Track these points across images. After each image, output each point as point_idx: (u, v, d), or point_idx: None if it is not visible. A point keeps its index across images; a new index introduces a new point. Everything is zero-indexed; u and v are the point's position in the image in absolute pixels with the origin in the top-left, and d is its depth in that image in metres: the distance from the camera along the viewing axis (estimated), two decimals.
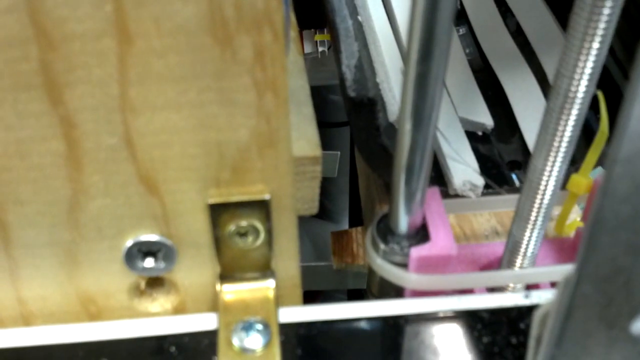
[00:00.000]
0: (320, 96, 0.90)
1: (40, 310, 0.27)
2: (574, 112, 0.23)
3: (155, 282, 0.28)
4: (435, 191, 0.32)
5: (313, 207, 0.29)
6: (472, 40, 0.47)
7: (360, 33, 0.45)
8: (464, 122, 0.40)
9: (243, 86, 0.22)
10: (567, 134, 0.24)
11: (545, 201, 0.27)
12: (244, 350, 0.25)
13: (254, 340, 0.25)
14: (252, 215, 0.25)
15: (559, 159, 0.25)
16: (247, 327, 0.25)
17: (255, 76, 0.22)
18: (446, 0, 0.21)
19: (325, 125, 0.86)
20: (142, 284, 0.27)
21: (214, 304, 0.27)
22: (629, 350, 0.22)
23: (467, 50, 0.46)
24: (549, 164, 0.25)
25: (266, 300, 0.27)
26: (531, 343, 0.23)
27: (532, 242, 0.29)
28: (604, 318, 0.21)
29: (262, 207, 0.25)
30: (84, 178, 0.23)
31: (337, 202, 1.06)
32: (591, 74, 0.22)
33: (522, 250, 0.30)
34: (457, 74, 0.43)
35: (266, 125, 0.23)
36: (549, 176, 0.25)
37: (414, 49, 0.22)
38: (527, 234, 0.29)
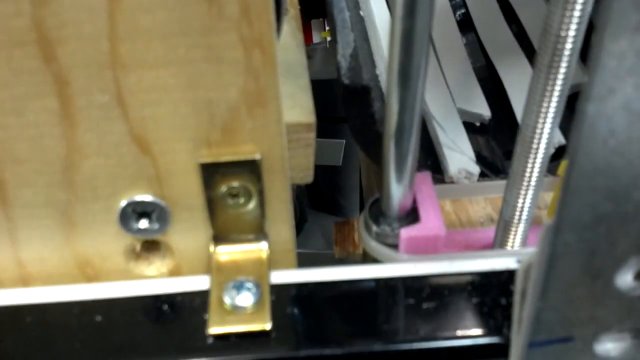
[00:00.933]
0: (331, 90, 0.90)
1: (38, 272, 0.28)
2: (563, 65, 0.23)
3: (151, 246, 0.28)
4: (426, 175, 0.32)
5: (308, 176, 0.30)
6: (472, 33, 0.47)
7: (358, 24, 0.46)
8: (462, 113, 0.41)
9: (230, 43, 0.22)
10: (557, 88, 0.24)
11: (538, 160, 0.27)
12: (235, 308, 0.25)
13: (245, 299, 0.25)
14: (244, 175, 0.25)
15: (550, 115, 0.25)
16: (239, 286, 0.26)
17: (242, 32, 0.22)
18: None
19: (336, 120, 0.87)
20: (138, 247, 0.27)
21: (208, 268, 0.28)
22: (614, 303, 0.22)
23: (466, 41, 0.46)
24: (540, 120, 0.25)
25: (259, 262, 0.27)
26: (516, 298, 0.23)
27: (526, 212, 0.29)
28: (588, 269, 0.21)
29: (253, 168, 0.25)
30: (78, 136, 0.24)
31: (349, 197, 1.06)
32: (577, 27, 0.22)
33: (515, 223, 0.30)
34: (456, 66, 0.44)
35: (254, 83, 0.23)
36: (541, 133, 0.26)
37: (398, 3, 0.22)
38: (521, 200, 0.29)
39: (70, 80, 0.23)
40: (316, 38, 0.58)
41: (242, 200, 0.26)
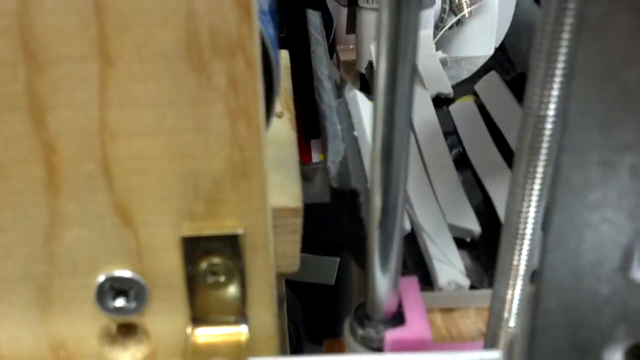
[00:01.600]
0: (330, 214, 0.91)
1: (11, 353, 0.27)
2: (544, 145, 0.24)
3: (126, 330, 0.27)
4: (413, 280, 0.32)
5: (294, 264, 0.30)
6: (458, 143, 0.48)
7: (349, 138, 0.47)
8: (452, 228, 0.41)
9: (217, 113, 0.23)
10: (539, 170, 0.24)
11: (525, 247, 0.26)
12: None
13: None
14: (225, 251, 0.25)
15: (534, 199, 0.25)
16: None
17: (229, 103, 0.23)
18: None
19: (333, 247, 0.86)
20: (114, 329, 0.27)
21: (185, 354, 0.27)
22: None
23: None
24: (525, 204, 0.25)
25: (237, 346, 0.26)
26: None
27: (515, 304, 0.29)
28: (574, 341, 0.20)
29: (235, 243, 0.25)
30: (61, 206, 0.24)
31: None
32: (557, 107, 0.23)
33: (505, 317, 0.29)
34: (444, 181, 0.45)
35: (240, 154, 0.24)
36: (527, 217, 0.26)
37: (380, 77, 0.23)
38: (510, 291, 0.28)
39: (58, 147, 0.23)
40: (315, 157, 0.59)
41: (222, 278, 0.26)
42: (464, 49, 0.65)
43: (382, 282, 0.29)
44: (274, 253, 0.27)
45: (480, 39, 0.67)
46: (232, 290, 0.26)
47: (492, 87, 0.52)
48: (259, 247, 0.25)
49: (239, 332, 0.26)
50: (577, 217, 0.19)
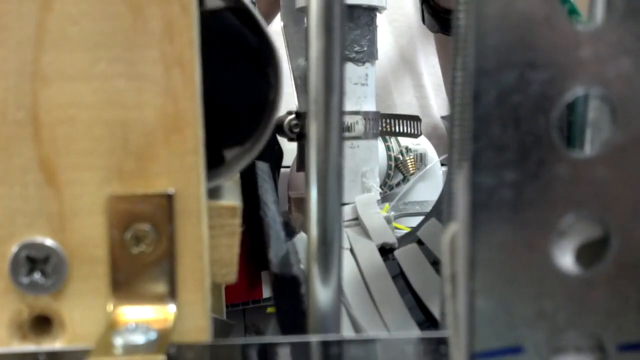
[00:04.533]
0: None
1: None
2: None
3: (39, 325, 0.24)
4: None
5: (231, 273, 0.28)
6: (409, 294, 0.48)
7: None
8: None
9: (151, 59, 0.23)
10: None
11: None
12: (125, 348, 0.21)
13: (138, 339, 0.21)
14: (154, 214, 0.24)
15: None
16: (133, 329, 0.22)
17: (163, 49, 0.23)
18: None
19: None
20: (25, 316, 0.24)
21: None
22: (560, 290, 0.19)
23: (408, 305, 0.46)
24: None
25: (164, 328, 0.23)
26: (446, 290, 0.20)
27: None
28: (518, 230, 0.19)
29: (165, 204, 0.24)
30: None
31: None
32: None
33: None
34: (395, 312, 0.44)
35: (173, 105, 0.24)
36: None
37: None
38: None
39: None
40: (266, 293, 0.57)
41: (149, 249, 0.24)
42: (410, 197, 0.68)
43: None
44: (209, 260, 0.26)
45: (425, 196, 0.69)
46: (159, 263, 0.24)
47: (435, 232, 0.52)
48: (191, 212, 0.24)
49: (167, 312, 0.24)
50: None
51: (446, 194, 0.57)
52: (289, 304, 0.38)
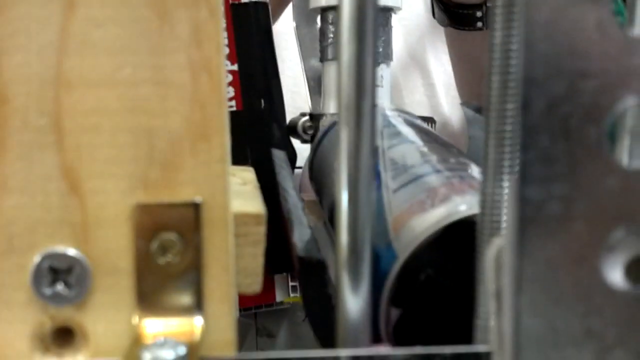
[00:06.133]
0: None
1: None
2: None
3: (62, 338, 0.24)
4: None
5: (256, 283, 0.27)
6: None
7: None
8: None
9: (178, 65, 0.23)
10: None
11: None
12: None
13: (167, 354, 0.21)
14: (181, 224, 0.23)
15: None
16: (162, 344, 0.21)
17: (191, 54, 0.23)
18: None
19: None
20: (48, 328, 0.23)
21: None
22: (609, 306, 0.19)
23: None
24: None
25: (191, 341, 0.23)
26: (491, 306, 0.19)
27: None
28: (567, 246, 0.18)
29: (192, 213, 0.23)
30: (5, 166, 0.22)
31: None
32: None
33: None
34: None
35: (200, 112, 0.23)
36: None
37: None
38: None
39: (9, 96, 0.22)
40: (279, 296, 0.56)
41: (176, 259, 0.23)
42: None
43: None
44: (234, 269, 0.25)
45: None
46: (186, 273, 0.23)
47: None
48: (218, 222, 0.23)
49: (193, 325, 0.23)
50: None
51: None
52: (315, 289, 0.38)
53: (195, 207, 0.23)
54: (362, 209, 0.24)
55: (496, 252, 0.19)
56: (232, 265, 0.24)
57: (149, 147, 0.23)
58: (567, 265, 0.18)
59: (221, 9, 0.23)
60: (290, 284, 0.56)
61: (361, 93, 0.23)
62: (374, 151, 0.24)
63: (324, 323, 0.36)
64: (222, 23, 0.23)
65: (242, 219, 0.26)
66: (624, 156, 0.20)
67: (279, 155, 0.55)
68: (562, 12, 0.17)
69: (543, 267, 0.18)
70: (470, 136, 0.55)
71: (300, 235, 0.41)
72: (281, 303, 0.57)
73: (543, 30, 0.17)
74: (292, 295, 0.58)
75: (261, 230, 0.26)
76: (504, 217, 0.22)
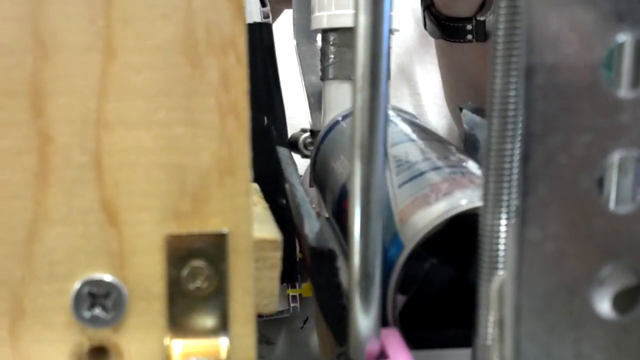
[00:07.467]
0: None
1: None
2: None
3: (98, 357, 0.26)
4: (393, 331, 0.32)
5: (273, 304, 0.29)
6: None
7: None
8: None
9: (208, 107, 0.25)
10: None
11: None
12: None
13: None
14: (209, 252, 0.25)
15: None
16: None
17: (219, 98, 0.25)
18: None
19: None
20: (85, 348, 0.25)
21: None
22: (598, 333, 0.21)
23: None
24: None
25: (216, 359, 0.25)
26: (494, 334, 0.21)
27: None
28: (562, 279, 0.21)
29: (220, 242, 0.25)
30: (48, 200, 0.24)
31: None
32: None
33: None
34: None
35: (227, 149, 0.25)
36: None
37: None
38: None
39: (53, 136, 0.24)
40: (280, 306, 0.58)
41: (204, 284, 0.25)
42: None
43: (364, 316, 0.28)
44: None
45: None
46: (213, 297, 0.25)
47: None
48: (242, 250, 0.26)
49: (219, 345, 0.25)
50: None
51: None
52: (325, 278, 0.40)
53: (222, 236, 0.25)
54: (373, 237, 0.27)
55: (499, 285, 0.21)
56: (253, 288, 0.26)
57: (180, 181, 0.25)
58: (561, 298, 0.21)
59: (246, 55, 0.25)
60: (290, 294, 0.58)
61: (374, 136, 0.25)
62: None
63: (333, 309, 0.38)
64: (247, 68, 0.25)
65: (260, 245, 0.28)
66: (612, 202, 0.22)
67: (284, 152, 0.57)
68: (558, 75, 0.20)
69: (540, 299, 0.20)
70: (478, 139, 0.56)
71: (311, 227, 0.43)
72: (281, 312, 0.59)
73: (541, 91, 0.20)
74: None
75: (277, 255, 0.29)
76: (502, 248, 0.25)
